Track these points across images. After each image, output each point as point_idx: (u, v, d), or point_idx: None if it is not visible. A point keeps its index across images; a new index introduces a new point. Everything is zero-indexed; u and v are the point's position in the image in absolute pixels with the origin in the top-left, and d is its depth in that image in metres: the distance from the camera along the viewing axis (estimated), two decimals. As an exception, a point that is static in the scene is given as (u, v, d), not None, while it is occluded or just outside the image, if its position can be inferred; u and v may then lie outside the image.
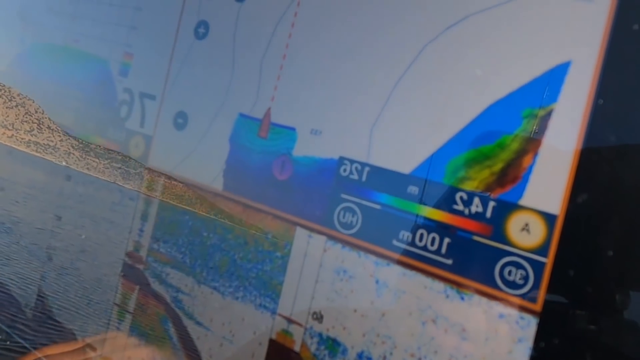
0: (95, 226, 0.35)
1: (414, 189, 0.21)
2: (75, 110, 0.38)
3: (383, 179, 0.22)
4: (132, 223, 0.31)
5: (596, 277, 0.17)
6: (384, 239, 0.22)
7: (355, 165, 0.23)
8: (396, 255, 0.21)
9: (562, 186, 0.18)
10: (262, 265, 0.25)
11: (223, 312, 0.26)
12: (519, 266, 0.19)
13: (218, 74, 0.29)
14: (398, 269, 0.21)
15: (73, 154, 0.36)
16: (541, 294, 0.18)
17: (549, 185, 0.18)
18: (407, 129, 0.22)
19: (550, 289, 0.18)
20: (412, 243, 0.21)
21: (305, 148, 0.25)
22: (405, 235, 0.21)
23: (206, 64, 0.30)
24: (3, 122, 0.41)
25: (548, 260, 0.18)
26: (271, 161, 0.26)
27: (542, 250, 0.18)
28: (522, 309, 0.18)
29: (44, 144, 0.39)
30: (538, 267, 0.18)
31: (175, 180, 0.30)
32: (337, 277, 0.23)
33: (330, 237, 0.23)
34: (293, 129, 0.25)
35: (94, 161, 0.35)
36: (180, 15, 0.32)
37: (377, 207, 0.22)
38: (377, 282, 0.21)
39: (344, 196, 0.23)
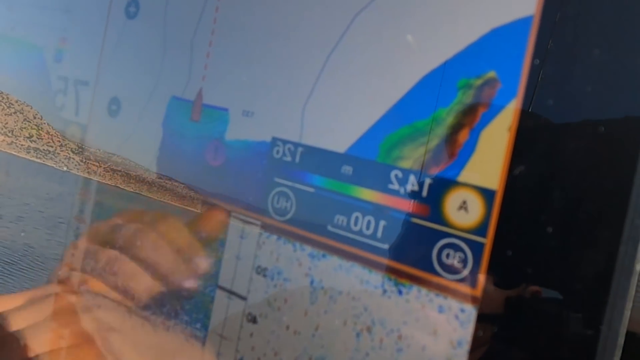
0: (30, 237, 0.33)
1: (348, 169, 0.20)
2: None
3: (316, 160, 0.20)
4: (65, 239, 0.29)
5: (536, 255, 0.15)
6: (319, 224, 0.20)
7: (288, 146, 0.21)
8: (331, 242, 0.20)
9: (500, 160, 0.16)
10: (196, 279, 0.23)
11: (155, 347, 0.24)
12: (457, 248, 0.17)
13: (150, 55, 0.27)
14: (334, 261, 0.19)
15: (73, 158, 0.35)
16: (480, 278, 0.16)
17: (487, 159, 0.17)
18: (340, 105, 0.20)
19: (489, 272, 0.16)
20: (347, 228, 0.19)
21: (238, 131, 0.23)
22: (340, 219, 0.20)
23: (138, 45, 0.28)
24: (2, 129, 0.39)
25: (487, 241, 0.16)
26: (204, 146, 0.24)
27: (481, 229, 0.17)
28: (461, 296, 0.17)
29: (43, 149, 0.37)
30: (477, 248, 0.17)
31: (110, 171, 0.28)
32: (271, 282, 0.21)
33: (265, 226, 0.21)
34: (225, 110, 0.23)
35: (94, 164, 0.33)
36: (112, -6, 0.29)
37: (311, 190, 0.20)
38: (312, 282, 0.20)
39: (277, 180, 0.21)
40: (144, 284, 0.25)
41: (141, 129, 0.27)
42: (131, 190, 0.27)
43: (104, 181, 0.28)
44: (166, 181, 0.25)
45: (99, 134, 0.29)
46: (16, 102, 0.38)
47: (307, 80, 0.21)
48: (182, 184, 0.24)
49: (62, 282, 0.28)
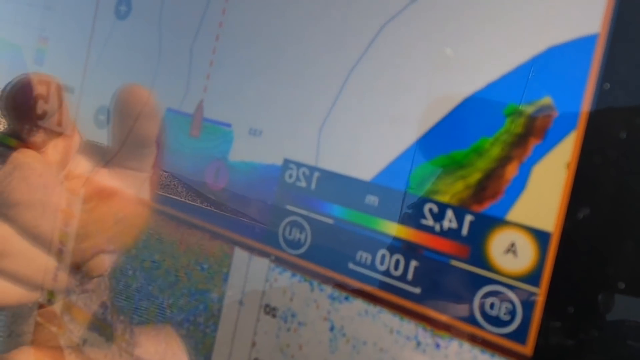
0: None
1: (373, 199, 0.17)
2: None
3: (336, 187, 0.18)
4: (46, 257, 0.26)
5: (602, 314, 0.13)
6: (338, 261, 0.18)
7: (302, 169, 0.19)
8: (353, 282, 0.17)
9: (556, 200, 0.14)
10: (193, 315, 0.21)
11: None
12: (503, 297, 0.15)
13: (143, 61, 0.24)
14: (358, 304, 0.17)
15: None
16: (532, 335, 0.14)
17: (540, 198, 0.14)
18: (363, 127, 0.18)
19: (543, 328, 0.14)
20: (372, 267, 0.17)
21: (244, 151, 0.20)
22: (364, 257, 0.17)
23: (129, 49, 0.25)
24: None
25: (540, 291, 0.14)
26: (204, 167, 0.21)
27: (533, 277, 0.15)
28: (508, 353, 0.15)
29: None
30: (528, 299, 0.15)
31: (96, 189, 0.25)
32: (283, 325, 0.18)
33: (276, 259, 0.19)
34: (229, 125, 0.21)
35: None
36: (100, -9, 0.27)
37: (329, 221, 0.18)
38: (332, 328, 0.17)
39: (289, 207, 0.19)
40: (133, 319, 0.22)
41: (131, 145, 0.24)
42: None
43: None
44: (161, 206, 0.23)
45: (84, 147, 0.26)
46: None
47: (325, 96, 0.19)
48: (178, 209, 0.22)
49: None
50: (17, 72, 0.31)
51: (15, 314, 0.28)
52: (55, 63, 0.29)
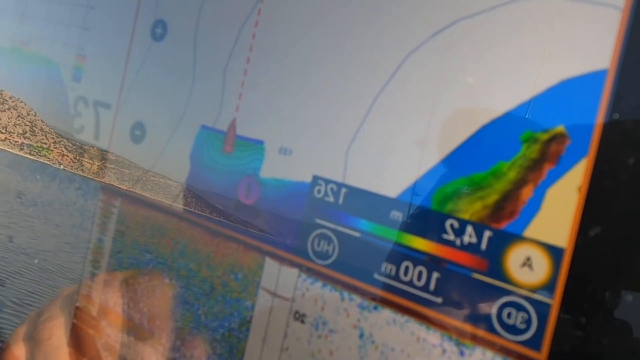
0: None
1: (397, 215, 0.19)
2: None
3: (362, 203, 0.20)
4: (83, 268, 0.28)
5: (612, 324, 0.15)
6: (363, 271, 0.19)
7: (330, 185, 0.20)
8: (378, 292, 0.19)
9: (569, 221, 0.16)
10: (228, 322, 0.22)
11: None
12: (520, 307, 0.16)
13: (178, 80, 0.26)
14: (386, 314, 0.18)
15: (67, 155, 0.33)
16: (546, 342, 0.16)
17: (553, 220, 0.16)
18: (388, 148, 0.19)
19: (557, 336, 0.16)
20: (396, 277, 0.18)
21: (274, 169, 0.22)
22: (388, 268, 0.19)
23: (165, 69, 0.27)
24: None
25: (554, 302, 0.16)
26: (236, 182, 0.23)
27: (547, 289, 0.16)
28: (524, 359, 0.16)
29: (37, 146, 0.36)
30: (542, 309, 0.16)
31: (132, 202, 0.27)
32: (315, 332, 0.20)
33: (304, 269, 0.21)
34: (261, 142, 0.23)
35: (88, 162, 0.31)
36: (136, 12, 0.28)
37: (356, 234, 0.20)
38: (361, 336, 0.19)
39: (318, 221, 0.21)
40: (170, 324, 0.24)
41: (167, 157, 0.26)
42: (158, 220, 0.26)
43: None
44: (193, 217, 0.24)
45: (120, 161, 0.28)
46: (10, 98, 0.37)
47: (353, 117, 0.20)
48: (212, 219, 0.23)
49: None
50: (54, 88, 0.32)
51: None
52: (92, 80, 0.30)
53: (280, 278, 0.21)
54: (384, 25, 0.20)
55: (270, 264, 0.22)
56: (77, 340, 0.27)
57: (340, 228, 0.20)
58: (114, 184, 0.29)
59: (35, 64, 0.33)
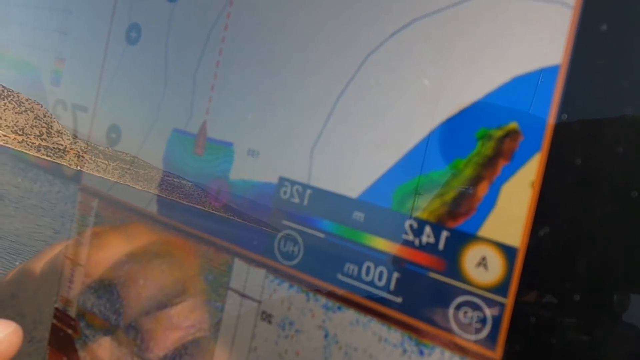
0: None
1: (359, 216, 0.19)
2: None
3: (326, 204, 0.20)
4: (61, 271, 0.28)
5: (563, 323, 0.15)
6: (327, 272, 0.19)
7: (296, 187, 0.20)
8: (341, 292, 0.19)
9: (522, 216, 0.16)
10: (199, 323, 0.22)
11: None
12: (475, 307, 0.16)
13: (151, 83, 0.26)
14: (350, 314, 0.18)
15: (82, 156, 0.34)
16: (501, 341, 0.16)
17: (508, 215, 0.16)
18: (351, 149, 0.19)
19: (510, 335, 0.16)
20: (358, 277, 0.18)
21: (243, 170, 0.22)
22: (351, 268, 0.19)
23: (139, 72, 0.27)
24: (13, 127, 0.39)
25: (508, 301, 0.16)
26: (207, 184, 0.23)
27: (501, 288, 0.16)
28: (480, 357, 0.16)
29: (53, 147, 0.36)
30: (497, 308, 0.16)
31: (109, 203, 0.27)
32: (282, 332, 0.20)
33: (271, 269, 0.21)
34: (230, 144, 0.23)
35: (103, 163, 0.32)
36: (112, 16, 0.29)
37: (321, 235, 0.20)
38: (326, 336, 0.19)
39: (284, 222, 0.21)
40: (145, 324, 0.24)
41: (141, 159, 0.26)
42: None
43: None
44: (166, 219, 0.24)
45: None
46: (27, 100, 0.38)
47: (316, 120, 0.20)
48: (184, 222, 0.24)
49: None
50: (34, 92, 0.33)
51: (36, 321, 0.30)
52: (71, 83, 0.31)
53: (248, 279, 0.21)
54: (346, 27, 0.20)
55: (239, 265, 0.22)
56: (57, 340, 0.27)
57: (305, 229, 0.20)
58: (129, 184, 0.29)
59: (16, 68, 0.34)
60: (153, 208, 0.25)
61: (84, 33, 0.30)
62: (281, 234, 0.21)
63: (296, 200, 0.20)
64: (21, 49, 0.34)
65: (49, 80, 0.32)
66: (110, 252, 0.26)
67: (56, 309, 0.28)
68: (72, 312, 0.27)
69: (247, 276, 0.21)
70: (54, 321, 0.28)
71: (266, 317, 0.20)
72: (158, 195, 0.25)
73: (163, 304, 0.23)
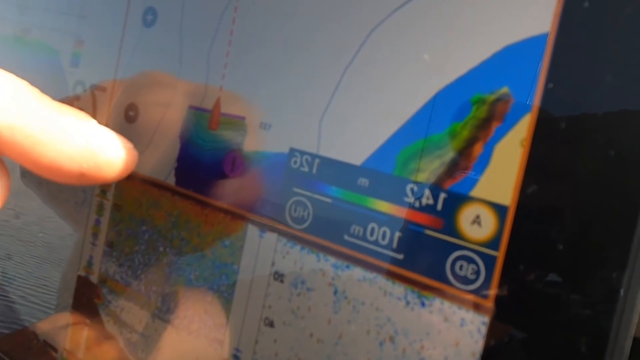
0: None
1: (364, 181, 0.20)
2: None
3: (333, 172, 0.21)
4: (84, 238, 0.30)
5: (547, 273, 0.16)
6: (335, 233, 0.21)
7: (305, 157, 0.22)
8: (349, 251, 0.20)
9: (513, 175, 0.17)
10: (217, 284, 0.24)
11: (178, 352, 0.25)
12: (470, 260, 0.18)
13: (167, 64, 0.28)
14: (357, 272, 0.20)
15: None
16: (493, 290, 0.17)
17: (500, 173, 0.17)
18: (356, 119, 0.21)
19: (501, 285, 0.17)
20: (363, 237, 0.20)
21: (256, 143, 0.23)
22: (357, 229, 0.20)
23: (155, 54, 0.28)
24: None
25: (499, 255, 0.17)
26: (221, 157, 0.24)
27: (493, 243, 0.17)
28: (474, 307, 0.17)
29: None
30: (489, 261, 0.17)
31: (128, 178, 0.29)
32: (294, 291, 0.22)
33: (283, 233, 0.22)
34: (243, 118, 0.24)
35: None
36: (128, 0, 0.30)
37: (328, 200, 0.21)
38: (335, 292, 0.20)
39: (295, 189, 0.22)
40: (164, 289, 0.25)
41: (159, 137, 0.27)
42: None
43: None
44: (184, 190, 0.26)
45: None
46: None
47: (324, 93, 0.21)
48: (202, 194, 0.25)
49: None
50: (54, 73, 0.34)
51: (61, 289, 0.32)
52: (90, 65, 0.32)
53: (261, 243, 0.23)
54: (350, 3, 0.21)
55: (252, 230, 0.23)
56: (81, 306, 0.29)
57: (314, 195, 0.22)
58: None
59: (36, 51, 0.35)
60: (171, 181, 0.27)
61: (102, 16, 0.32)
62: (292, 200, 0.22)
63: (305, 169, 0.22)
64: (41, 33, 0.35)
65: (68, 62, 0.33)
66: (130, 224, 0.28)
67: (79, 276, 0.30)
68: (94, 279, 0.29)
69: (260, 240, 0.23)
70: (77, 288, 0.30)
71: (278, 277, 0.22)
72: (176, 170, 0.26)
73: (182, 270, 0.25)
